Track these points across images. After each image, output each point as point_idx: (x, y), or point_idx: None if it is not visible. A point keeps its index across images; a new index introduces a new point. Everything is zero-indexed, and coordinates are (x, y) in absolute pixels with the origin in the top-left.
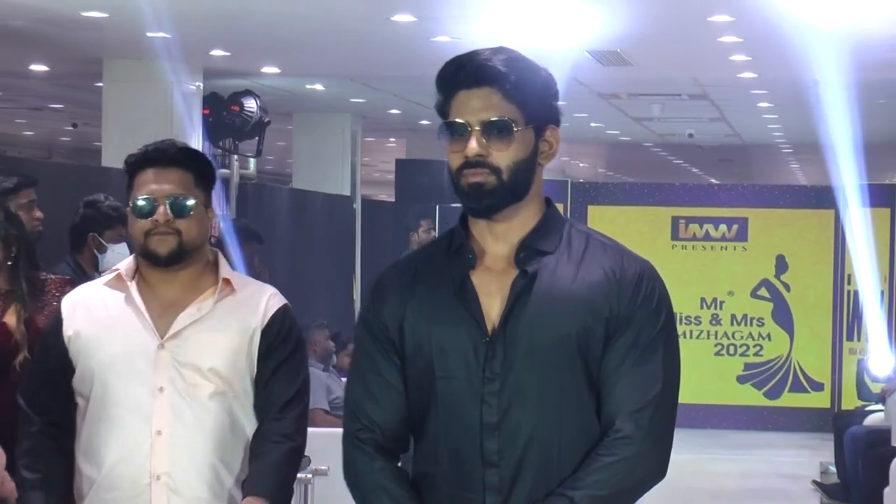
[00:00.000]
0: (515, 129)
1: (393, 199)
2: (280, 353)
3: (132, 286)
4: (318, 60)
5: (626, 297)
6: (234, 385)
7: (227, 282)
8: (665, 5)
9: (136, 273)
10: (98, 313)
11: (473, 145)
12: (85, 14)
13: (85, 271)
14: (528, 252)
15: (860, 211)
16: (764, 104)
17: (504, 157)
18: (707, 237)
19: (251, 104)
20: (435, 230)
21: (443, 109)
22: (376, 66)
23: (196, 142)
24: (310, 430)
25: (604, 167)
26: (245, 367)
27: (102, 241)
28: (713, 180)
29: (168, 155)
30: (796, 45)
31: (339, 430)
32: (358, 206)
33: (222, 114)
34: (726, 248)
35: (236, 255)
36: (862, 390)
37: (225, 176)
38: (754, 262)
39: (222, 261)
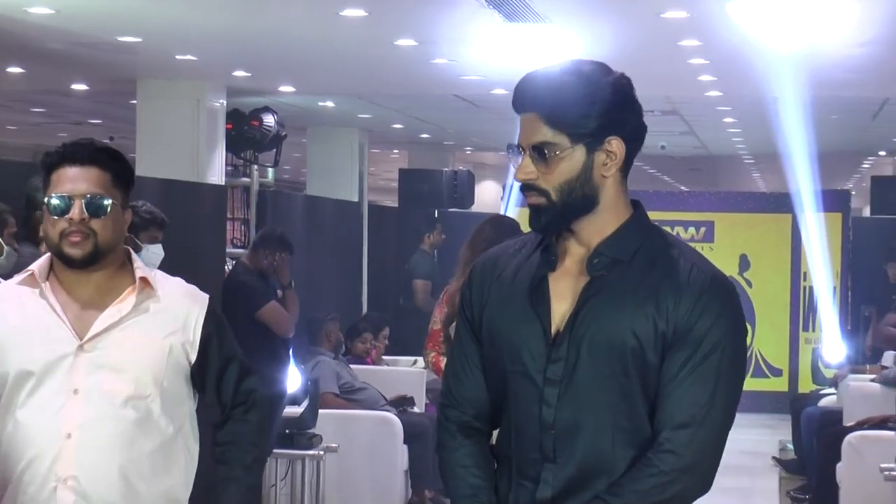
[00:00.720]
0: (557, 152)
1: (396, 205)
2: (220, 357)
3: (46, 287)
4: (330, 80)
5: (686, 308)
6: (153, 389)
7: (144, 281)
8: (640, 31)
9: (50, 273)
10: (13, 314)
11: (523, 169)
12: (120, 39)
13: None
14: (601, 259)
15: (815, 215)
16: (728, 119)
17: (550, 179)
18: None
19: (269, 119)
20: (444, 234)
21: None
22: (381, 86)
23: (220, 153)
24: (321, 411)
25: None
26: (168, 371)
27: (138, 242)
28: (683, 187)
29: (86, 153)
30: (758, 66)
31: (347, 412)
32: (365, 211)
33: (243, 128)
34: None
35: (261, 260)
36: (816, 376)
37: (246, 184)
38: (720, 260)
39: (136, 259)
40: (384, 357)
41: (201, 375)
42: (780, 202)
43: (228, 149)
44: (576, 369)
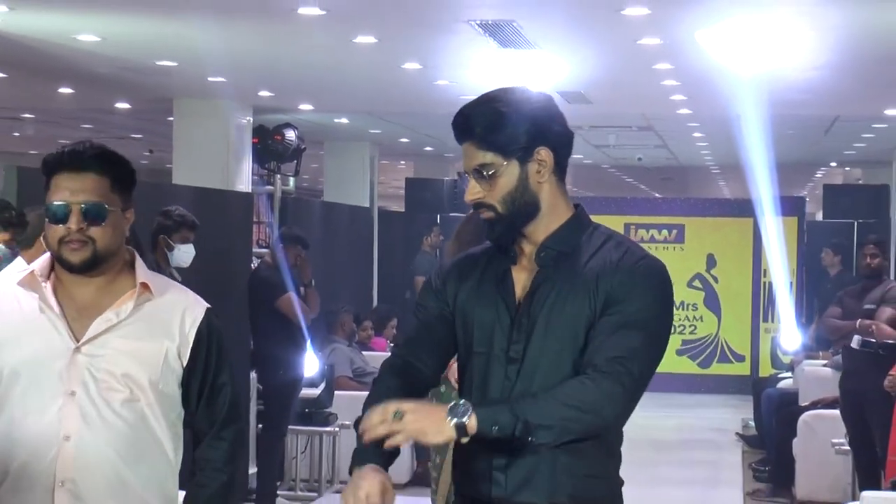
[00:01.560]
0: (494, 171)
1: (403, 210)
2: (210, 367)
3: (47, 287)
4: (344, 99)
5: (619, 282)
6: (148, 393)
7: (144, 286)
8: (619, 56)
9: (52, 273)
10: (11, 313)
11: (470, 191)
12: (159, 63)
13: (161, 267)
14: (547, 252)
15: (773, 219)
16: (697, 134)
17: (493, 195)
18: (652, 240)
19: (290, 134)
20: (441, 235)
21: None
22: (390, 104)
23: (247, 165)
24: (336, 393)
25: (570, 184)
26: (163, 376)
27: (171, 242)
28: (657, 194)
29: (83, 158)
30: (723, 87)
31: (360, 393)
32: (375, 215)
33: (268, 142)
34: (667, 248)
35: (281, 257)
36: (775, 361)
37: (270, 192)
38: (689, 259)
39: (139, 263)
40: (391, 344)
41: (187, 380)
42: (743, 207)
43: (254, 160)
44: (531, 348)
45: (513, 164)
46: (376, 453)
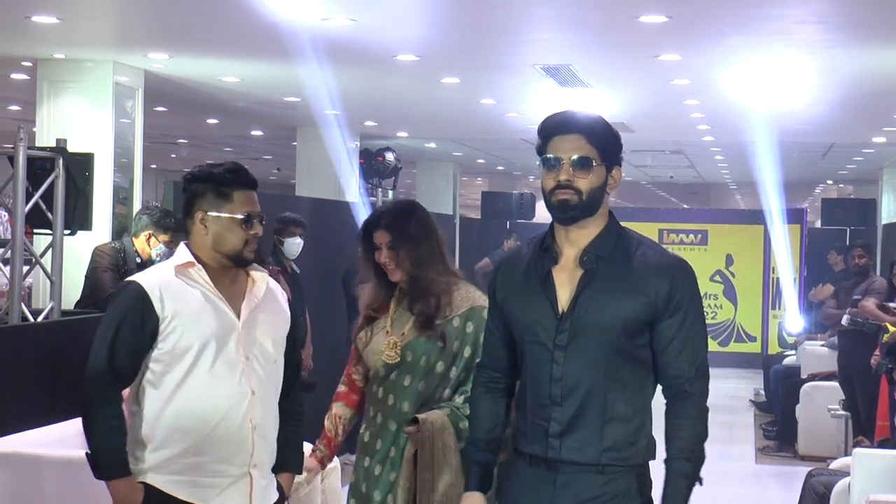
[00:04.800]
0: (594, 164)
1: (479, 217)
2: (294, 338)
3: (207, 277)
4: (433, 128)
5: (663, 286)
6: (280, 356)
7: (262, 276)
8: (656, 94)
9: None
10: (186, 297)
11: (566, 172)
12: (286, 99)
13: (280, 261)
14: (589, 256)
15: (781, 226)
16: (718, 157)
17: (585, 182)
18: (681, 242)
19: (390, 156)
20: (518, 241)
21: (541, 149)
22: (469, 132)
23: (355, 180)
24: None
25: (615, 197)
26: (282, 342)
27: (281, 239)
28: (685, 205)
29: (251, 178)
30: (739, 119)
31: None
32: (457, 221)
33: (371, 162)
34: (693, 249)
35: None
36: (781, 341)
37: (373, 202)
38: (711, 258)
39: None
40: None
41: (287, 343)
42: (756, 216)
43: (361, 177)
44: (577, 338)
45: (602, 168)
46: (483, 484)
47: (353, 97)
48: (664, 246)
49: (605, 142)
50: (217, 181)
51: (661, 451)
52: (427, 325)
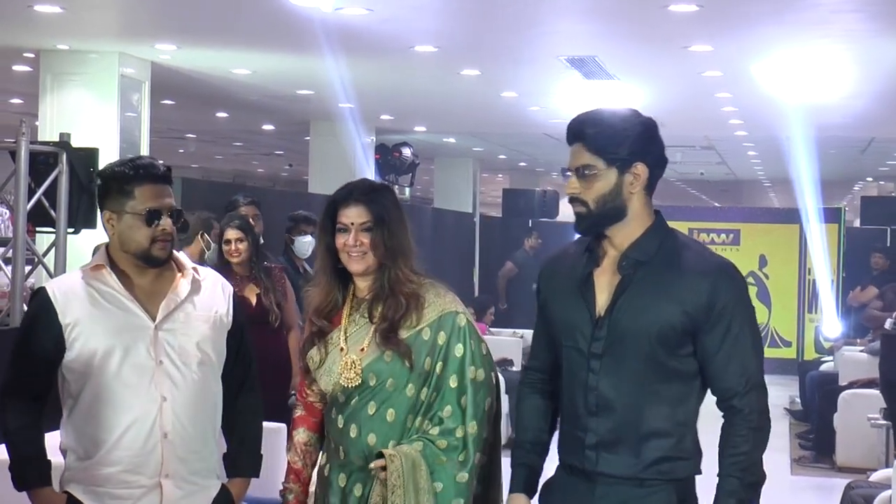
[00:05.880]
0: (595, 172)
1: (500, 216)
2: (241, 333)
3: (115, 279)
4: (452, 122)
5: (704, 293)
6: (212, 355)
7: (194, 269)
8: (686, 87)
9: (111, 266)
10: (91, 301)
11: (570, 185)
12: (298, 92)
13: (291, 260)
14: (627, 261)
15: (817, 225)
16: (751, 152)
17: (589, 193)
18: (712, 242)
19: (407, 151)
20: (540, 239)
21: None
22: (490, 127)
23: (370, 177)
24: None
25: None
26: (217, 340)
27: (292, 238)
28: (716, 204)
29: (161, 172)
30: (774, 113)
31: None
32: (477, 220)
33: (388, 158)
34: (725, 249)
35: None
36: (817, 346)
37: None
38: (744, 259)
39: (175, 254)
40: (490, 328)
41: (228, 340)
42: (791, 215)
43: (377, 173)
44: (613, 347)
45: (612, 171)
46: (528, 487)
47: (368, 90)
48: None
49: (609, 143)
50: (118, 178)
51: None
52: (391, 338)
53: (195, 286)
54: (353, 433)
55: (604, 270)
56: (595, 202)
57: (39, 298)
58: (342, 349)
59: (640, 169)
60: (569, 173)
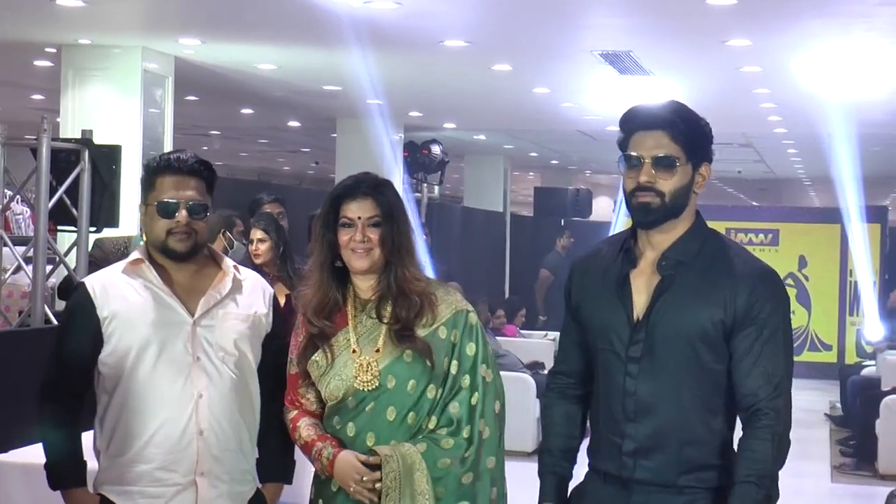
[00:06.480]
0: (679, 163)
1: (531, 215)
2: (280, 339)
3: (154, 273)
4: (482, 119)
5: (743, 297)
6: (250, 355)
7: (236, 268)
8: (723, 82)
9: (150, 261)
10: (129, 295)
11: (646, 173)
12: (325, 87)
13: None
14: (668, 261)
15: (859, 225)
16: (791, 150)
17: (668, 184)
18: (750, 242)
19: (436, 149)
20: (572, 238)
21: (623, 145)
22: (521, 123)
23: (399, 175)
24: None
25: None
26: (255, 341)
27: None
28: (754, 203)
29: (188, 164)
30: (815, 109)
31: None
32: (508, 219)
33: (417, 156)
34: (763, 250)
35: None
36: (859, 350)
37: (417, 198)
38: (783, 260)
39: (218, 252)
40: (521, 330)
41: (268, 342)
42: (831, 215)
43: (405, 171)
44: (652, 350)
45: (688, 166)
46: (558, 496)
47: (396, 86)
48: None
49: (691, 137)
50: (146, 170)
51: None
52: (408, 336)
53: (236, 284)
54: (370, 441)
55: (641, 271)
56: (671, 194)
57: (79, 292)
58: (354, 351)
59: (706, 170)
60: (644, 160)
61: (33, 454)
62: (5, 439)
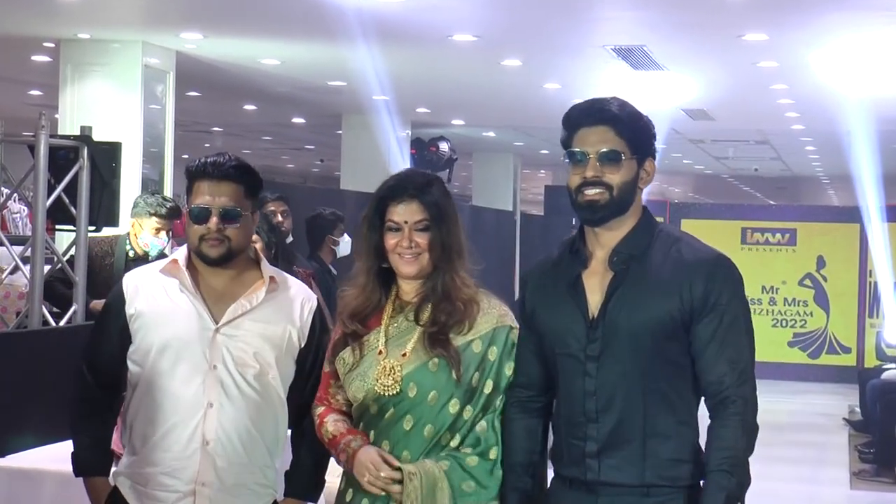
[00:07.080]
0: (623, 158)
1: (542, 214)
2: (315, 352)
3: (187, 276)
4: (491, 115)
5: (699, 286)
6: (273, 369)
7: (272, 279)
8: (739, 77)
9: (188, 263)
10: (159, 295)
11: (592, 168)
12: (330, 83)
13: (324, 263)
14: (619, 256)
15: (879, 224)
16: (809, 147)
17: (614, 178)
18: (767, 242)
19: (444, 146)
20: None
21: (566, 142)
22: (532, 120)
23: None
24: None
25: (692, 192)
26: (284, 355)
27: (335, 238)
28: (771, 202)
29: (223, 169)
30: (834, 105)
31: None
32: (518, 218)
33: (424, 152)
34: (781, 251)
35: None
36: (879, 353)
37: None
38: (801, 260)
39: (263, 259)
40: None
41: (302, 359)
42: (851, 214)
43: None
44: (610, 347)
45: (633, 161)
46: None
47: (403, 81)
48: (748, 247)
49: (635, 132)
50: (186, 174)
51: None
52: (440, 341)
53: (272, 295)
54: (385, 449)
55: (593, 271)
56: (619, 188)
57: (116, 288)
58: (380, 352)
59: (651, 165)
60: (589, 156)
61: (33, 458)
62: (2, 444)
